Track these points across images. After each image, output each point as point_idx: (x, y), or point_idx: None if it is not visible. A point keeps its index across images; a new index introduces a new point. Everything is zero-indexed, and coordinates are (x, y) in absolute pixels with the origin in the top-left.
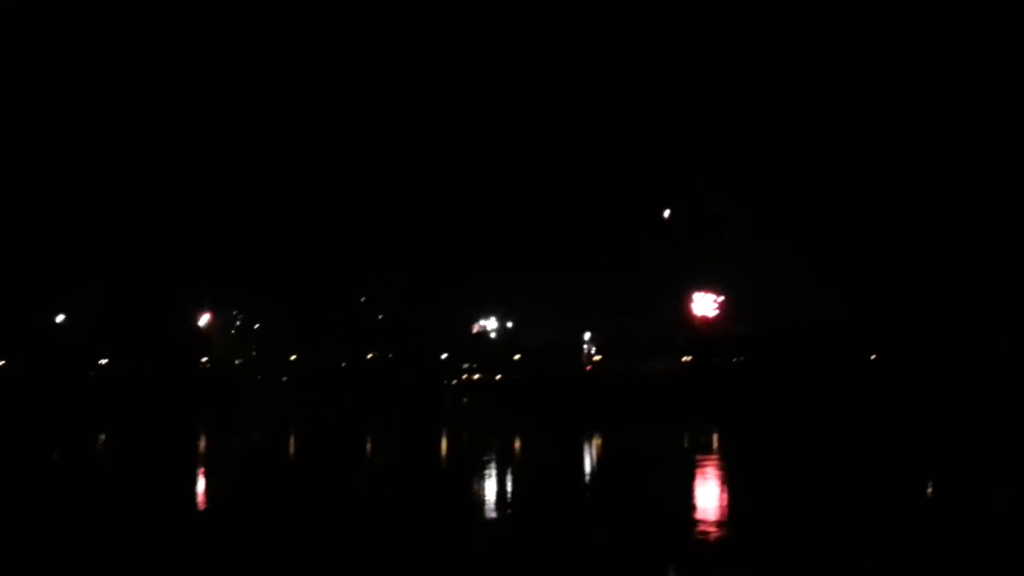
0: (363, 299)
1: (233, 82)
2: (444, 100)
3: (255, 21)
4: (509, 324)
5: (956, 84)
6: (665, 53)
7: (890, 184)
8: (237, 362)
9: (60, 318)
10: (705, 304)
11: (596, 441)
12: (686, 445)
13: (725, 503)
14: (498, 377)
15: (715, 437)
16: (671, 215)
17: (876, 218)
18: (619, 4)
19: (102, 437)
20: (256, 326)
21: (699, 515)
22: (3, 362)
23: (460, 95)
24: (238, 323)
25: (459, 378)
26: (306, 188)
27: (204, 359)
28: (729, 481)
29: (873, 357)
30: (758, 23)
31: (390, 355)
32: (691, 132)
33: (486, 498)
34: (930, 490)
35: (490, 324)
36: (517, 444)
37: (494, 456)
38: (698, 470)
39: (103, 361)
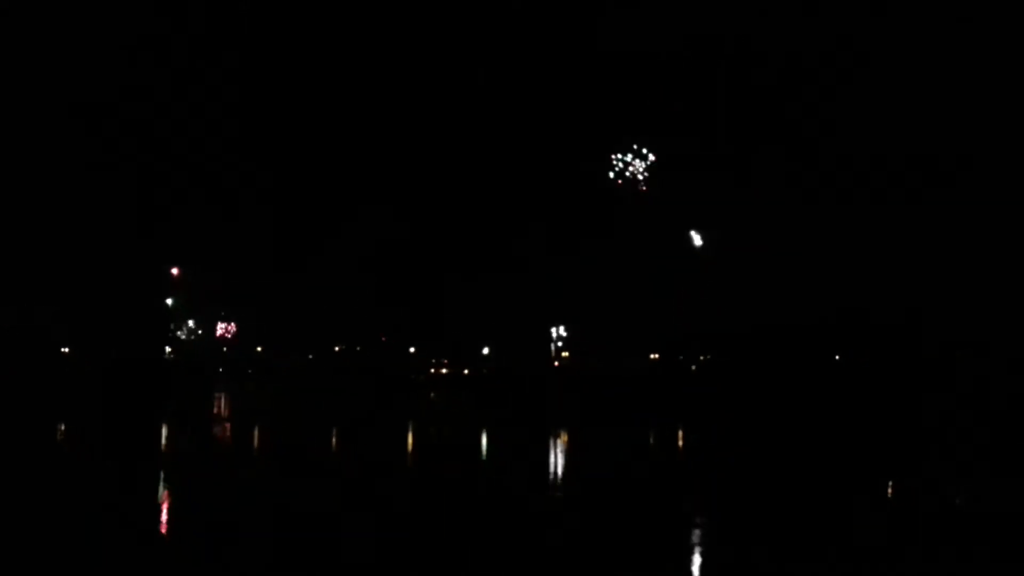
0: (333, 292)
1: (233, 79)
2: (443, 100)
3: (255, 21)
4: (481, 319)
5: (956, 84)
6: (665, 53)
7: (889, 183)
8: (203, 355)
9: (24, 312)
10: (675, 299)
11: (552, 441)
12: (631, 456)
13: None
14: (466, 372)
15: (677, 440)
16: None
17: (869, 217)
18: (619, 4)
19: (62, 427)
20: (223, 316)
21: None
22: None
23: (459, 95)
24: (205, 316)
25: (427, 373)
26: (275, 183)
27: (169, 350)
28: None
29: (837, 357)
30: (758, 23)
31: (358, 348)
32: (691, 132)
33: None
34: (890, 492)
35: (461, 319)
36: (483, 442)
37: (454, 462)
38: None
39: (65, 349)
